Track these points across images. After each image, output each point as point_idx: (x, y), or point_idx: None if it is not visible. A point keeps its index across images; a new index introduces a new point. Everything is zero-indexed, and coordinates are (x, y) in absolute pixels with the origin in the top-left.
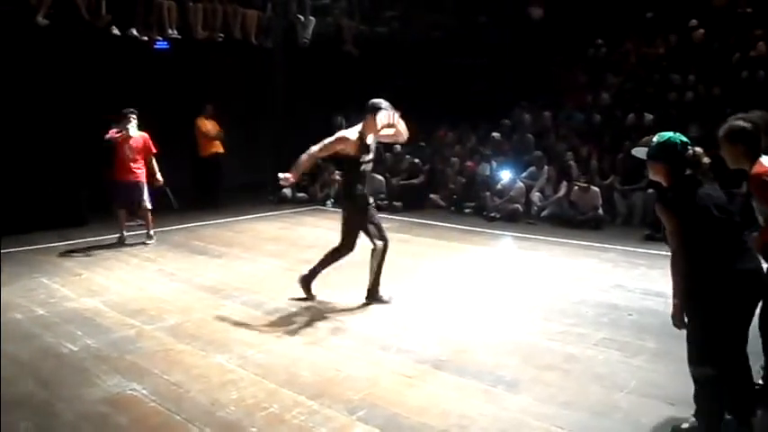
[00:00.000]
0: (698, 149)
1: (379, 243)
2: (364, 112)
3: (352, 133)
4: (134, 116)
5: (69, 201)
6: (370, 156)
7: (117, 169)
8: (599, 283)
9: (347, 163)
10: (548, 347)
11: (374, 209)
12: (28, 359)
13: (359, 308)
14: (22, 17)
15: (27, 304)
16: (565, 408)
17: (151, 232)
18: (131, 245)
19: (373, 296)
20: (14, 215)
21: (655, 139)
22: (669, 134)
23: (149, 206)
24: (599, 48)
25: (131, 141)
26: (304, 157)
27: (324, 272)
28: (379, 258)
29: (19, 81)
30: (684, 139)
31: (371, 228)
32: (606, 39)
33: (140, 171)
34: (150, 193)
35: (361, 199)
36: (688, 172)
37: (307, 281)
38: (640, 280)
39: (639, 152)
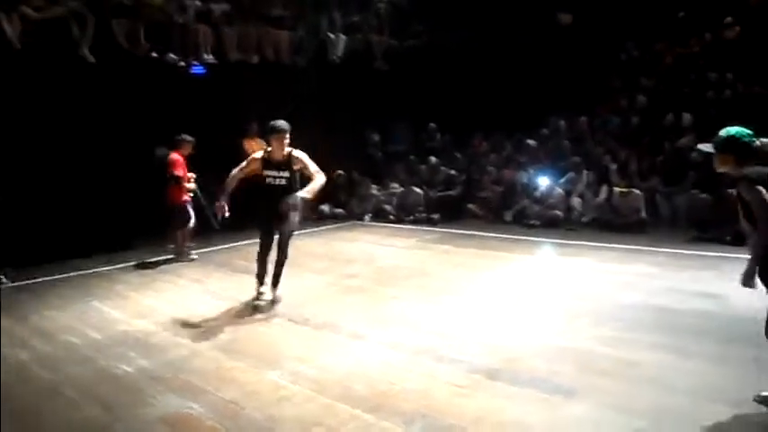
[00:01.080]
0: (764, 140)
1: None
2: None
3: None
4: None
5: (116, 225)
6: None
7: (179, 193)
8: (649, 286)
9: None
10: (602, 353)
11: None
12: (86, 382)
13: (409, 320)
14: (67, 50)
15: (81, 327)
16: (623, 413)
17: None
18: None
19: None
20: (64, 240)
21: (721, 133)
22: (735, 128)
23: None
24: (631, 51)
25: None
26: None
27: (371, 286)
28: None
29: (66, 110)
30: (749, 131)
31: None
32: (637, 41)
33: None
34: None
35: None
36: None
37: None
38: (692, 282)
39: (705, 147)
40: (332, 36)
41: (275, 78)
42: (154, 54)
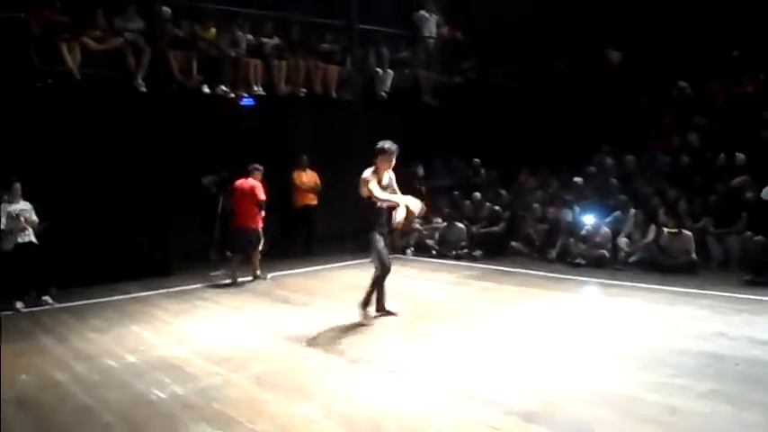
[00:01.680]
0: None
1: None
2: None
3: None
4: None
5: (157, 251)
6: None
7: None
8: (698, 330)
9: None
10: (647, 399)
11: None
12: (122, 406)
13: (445, 357)
14: (123, 81)
15: (119, 351)
16: None
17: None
18: (218, 293)
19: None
20: (107, 265)
21: None
22: None
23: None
24: (683, 89)
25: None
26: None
27: (409, 321)
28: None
29: (117, 139)
30: None
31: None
32: (690, 79)
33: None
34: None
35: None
36: None
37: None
38: (744, 327)
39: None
40: (380, 71)
41: (323, 112)
42: (206, 87)
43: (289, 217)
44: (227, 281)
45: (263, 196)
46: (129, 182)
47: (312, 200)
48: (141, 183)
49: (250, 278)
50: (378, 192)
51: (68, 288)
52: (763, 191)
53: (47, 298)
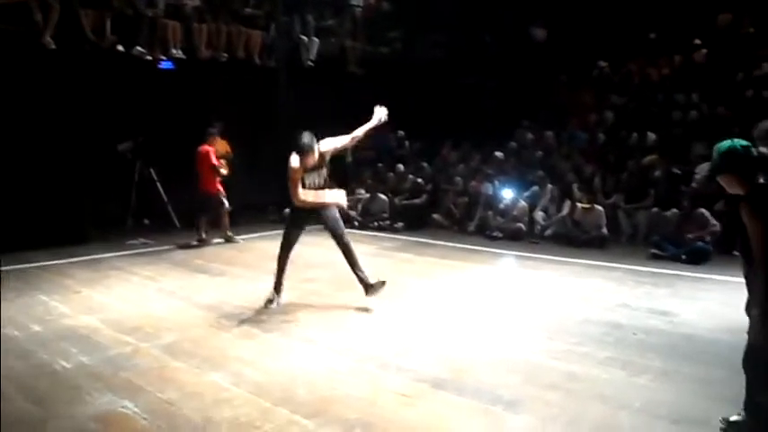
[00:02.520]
0: (762, 149)
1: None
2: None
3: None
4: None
5: (71, 218)
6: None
7: (205, 183)
8: (604, 302)
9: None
10: (550, 366)
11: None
12: (23, 376)
13: (361, 327)
14: (29, 38)
15: (24, 321)
16: (567, 427)
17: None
18: (133, 262)
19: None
20: (16, 231)
21: (714, 152)
22: (727, 143)
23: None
24: (603, 68)
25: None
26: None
27: (328, 292)
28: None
29: (24, 99)
30: (744, 142)
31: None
32: (610, 59)
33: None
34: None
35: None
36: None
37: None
38: (646, 299)
39: (703, 169)
40: (305, 39)
41: (245, 78)
42: (120, 47)
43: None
44: (194, 242)
45: (214, 161)
46: (40, 145)
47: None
48: (53, 146)
49: (221, 240)
50: (300, 194)
51: None
52: (698, 167)
53: None
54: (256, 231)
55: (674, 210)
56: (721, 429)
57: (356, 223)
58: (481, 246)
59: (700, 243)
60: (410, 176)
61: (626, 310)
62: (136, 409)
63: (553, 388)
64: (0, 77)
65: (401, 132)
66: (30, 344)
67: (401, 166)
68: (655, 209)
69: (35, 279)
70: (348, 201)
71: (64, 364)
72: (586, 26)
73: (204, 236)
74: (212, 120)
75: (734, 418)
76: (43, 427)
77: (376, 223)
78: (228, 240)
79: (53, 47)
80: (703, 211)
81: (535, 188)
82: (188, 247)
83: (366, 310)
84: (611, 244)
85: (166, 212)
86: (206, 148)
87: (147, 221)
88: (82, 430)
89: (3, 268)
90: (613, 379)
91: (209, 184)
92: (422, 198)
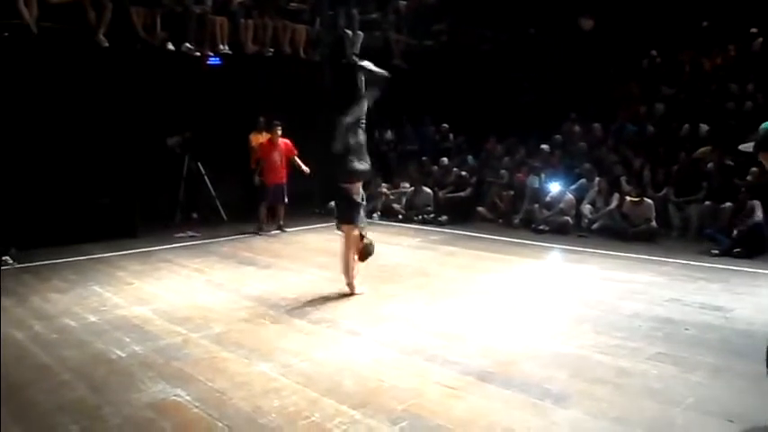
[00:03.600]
0: None
1: None
2: None
3: None
4: (279, 127)
5: (123, 213)
6: None
7: (267, 174)
8: (654, 296)
9: None
10: (599, 361)
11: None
12: (80, 365)
13: (407, 319)
14: (83, 36)
15: (80, 312)
16: (617, 423)
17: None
18: (182, 255)
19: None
20: (71, 226)
21: (761, 129)
22: None
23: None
24: (653, 59)
25: (279, 148)
26: None
27: (372, 284)
28: None
29: (79, 96)
30: None
31: None
32: (661, 50)
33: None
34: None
35: None
36: None
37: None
38: (698, 294)
39: (746, 147)
40: (349, 32)
41: (290, 72)
42: (170, 44)
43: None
44: (257, 231)
45: (294, 151)
46: (93, 141)
47: None
48: (105, 142)
49: (276, 231)
50: None
51: (30, 249)
52: (740, 145)
53: (7, 258)
54: (302, 224)
55: (729, 203)
56: None
57: (400, 216)
58: (527, 239)
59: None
60: (455, 170)
61: (677, 305)
62: (188, 398)
63: (602, 383)
64: (55, 75)
65: (445, 125)
66: (86, 334)
67: (445, 160)
68: (707, 202)
69: (90, 271)
70: (392, 194)
71: (119, 353)
72: (635, 16)
73: (264, 225)
74: (258, 113)
75: None
76: (100, 414)
77: (420, 216)
78: (281, 229)
79: (106, 45)
80: (755, 202)
81: (582, 181)
82: (185, 247)
83: (411, 302)
84: (661, 238)
85: (214, 206)
86: (285, 140)
87: (194, 215)
88: (137, 417)
89: (59, 260)
90: (664, 375)
91: (283, 174)
92: (466, 191)
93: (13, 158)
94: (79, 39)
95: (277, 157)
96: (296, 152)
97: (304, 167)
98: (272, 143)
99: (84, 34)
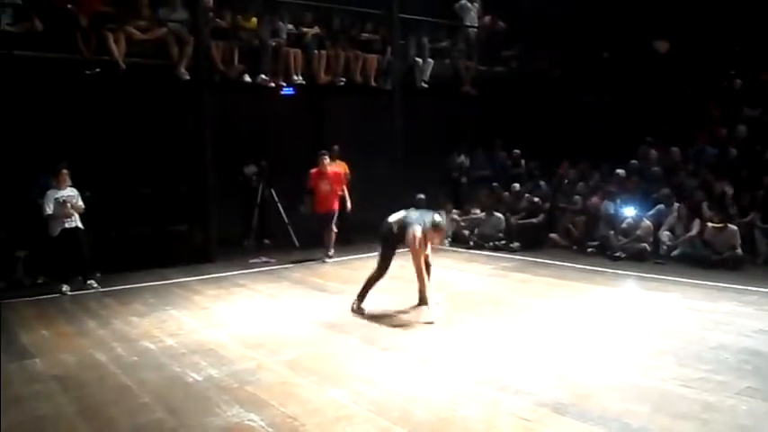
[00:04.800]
0: None
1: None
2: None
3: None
4: (325, 156)
5: (200, 239)
6: None
7: (317, 203)
8: (740, 327)
9: None
10: (682, 395)
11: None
12: (158, 387)
13: (478, 347)
14: (164, 71)
15: (159, 335)
16: None
17: (331, 252)
18: (255, 280)
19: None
20: (152, 251)
21: None
22: None
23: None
24: (733, 79)
25: (327, 177)
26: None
27: (442, 310)
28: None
29: (160, 127)
30: None
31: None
32: (741, 70)
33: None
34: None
35: None
36: None
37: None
38: None
39: None
40: (419, 60)
41: (361, 101)
42: (247, 76)
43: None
44: (326, 259)
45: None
46: (172, 169)
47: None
48: (184, 170)
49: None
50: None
51: (112, 273)
52: None
53: (92, 282)
54: (373, 251)
55: None
56: None
57: (471, 243)
58: (602, 266)
59: None
60: (527, 195)
61: (765, 337)
62: (261, 423)
63: (686, 418)
64: (141, 108)
65: (517, 151)
66: (164, 357)
67: (517, 185)
68: None
69: (168, 295)
70: (462, 220)
71: (195, 376)
72: (713, 37)
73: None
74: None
75: None
76: None
77: (492, 243)
78: (323, 259)
79: (187, 78)
80: None
81: (660, 206)
82: (258, 273)
83: (482, 330)
84: (746, 265)
85: (286, 232)
86: (336, 169)
87: (267, 241)
88: None
89: (140, 285)
90: (755, 411)
91: (332, 202)
92: (539, 217)
93: (98, 187)
94: (162, 73)
95: (325, 186)
96: (345, 181)
97: (348, 202)
98: (320, 172)
99: (167, 68)
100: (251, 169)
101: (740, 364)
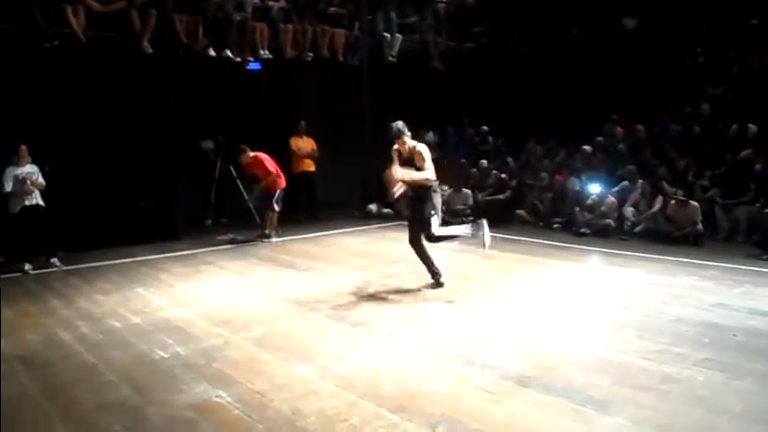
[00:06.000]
0: None
1: None
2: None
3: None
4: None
5: (165, 216)
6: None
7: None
8: (699, 301)
9: None
10: (642, 367)
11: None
12: (124, 365)
13: (445, 323)
14: (127, 43)
15: (125, 313)
16: (661, 431)
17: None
18: (223, 257)
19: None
20: (114, 229)
21: None
22: None
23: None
24: (698, 57)
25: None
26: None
27: (411, 287)
28: None
29: (121, 101)
30: None
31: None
32: (706, 48)
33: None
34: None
35: None
36: None
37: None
38: (745, 299)
39: None
40: (388, 36)
41: (329, 76)
42: (212, 50)
43: (289, 183)
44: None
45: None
46: (136, 144)
47: (309, 166)
48: (148, 146)
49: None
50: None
51: (76, 251)
52: None
53: (54, 260)
54: (340, 227)
55: None
56: None
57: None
58: (567, 242)
59: None
60: (494, 172)
61: (724, 310)
62: (229, 399)
63: (646, 389)
64: (100, 82)
65: (484, 128)
66: (130, 335)
67: (484, 162)
68: (756, 204)
69: (133, 273)
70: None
71: (161, 354)
72: (680, 15)
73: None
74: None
75: None
76: (143, 414)
77: (459, 219)
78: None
79: (150, 51)
80: None
81: (625, 183)
82: (226, 250)
83: (449, 305)
84: (706, 241)
85: (247, 210)
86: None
87: (223, 220)
88: (179, 417)
89: (104, 263)
90: (711, 382)
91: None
92: (506, 193)
93: (59, 164)
94: (125, 46)
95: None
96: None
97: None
98: (248, 164)
99: (129, 42)
100: (207, 144)
101: (698, 336)
